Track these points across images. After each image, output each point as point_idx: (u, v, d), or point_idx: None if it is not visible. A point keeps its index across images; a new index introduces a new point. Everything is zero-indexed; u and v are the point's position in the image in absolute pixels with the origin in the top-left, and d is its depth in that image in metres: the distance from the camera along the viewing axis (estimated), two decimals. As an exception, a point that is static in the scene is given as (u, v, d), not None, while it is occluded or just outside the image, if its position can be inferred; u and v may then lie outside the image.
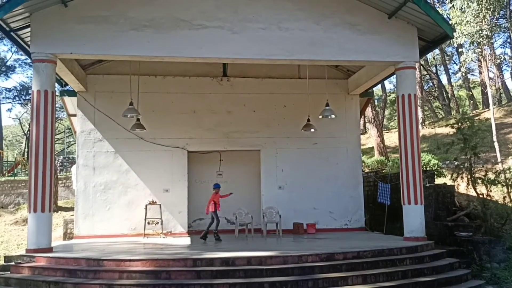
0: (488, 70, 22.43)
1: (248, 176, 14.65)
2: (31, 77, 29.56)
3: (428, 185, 13.09)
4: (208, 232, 11.96)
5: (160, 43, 10.39)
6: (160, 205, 13.27)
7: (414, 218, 10.73)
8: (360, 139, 15.23)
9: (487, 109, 26.39)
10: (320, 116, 12.82)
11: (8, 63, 37.81)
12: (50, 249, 9.62)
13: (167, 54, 10.61)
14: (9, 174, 29.34)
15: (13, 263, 9.11)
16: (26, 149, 34.67)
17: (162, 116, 13.73)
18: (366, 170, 18.31)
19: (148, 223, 13.07)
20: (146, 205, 13.10)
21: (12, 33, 10.30)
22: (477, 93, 39.30)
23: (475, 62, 25.14)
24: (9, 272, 8.83)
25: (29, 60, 25.05)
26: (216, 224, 11.96)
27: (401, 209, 11.16)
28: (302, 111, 13.31)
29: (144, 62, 12.62)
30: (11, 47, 35.30)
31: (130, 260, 8.34)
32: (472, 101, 36.94)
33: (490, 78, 24.05)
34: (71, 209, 16.68)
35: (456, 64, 39.66)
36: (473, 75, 39.37)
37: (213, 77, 14.18)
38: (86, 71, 13.49)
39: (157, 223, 13.20)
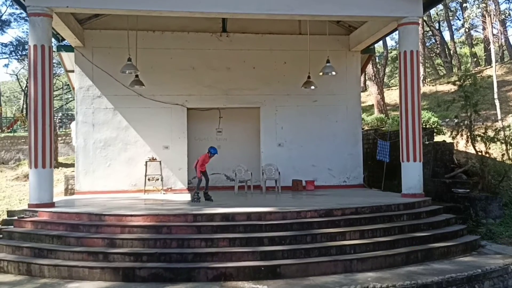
0: (492, 26, 22.06)
1: (247, 133, 14.67)
2: (27, 32, 29.09)
3: (427, 142, 13.13)
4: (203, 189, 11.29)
5: (158, -4, 10.11)
6: (160, 161, 13.33)
7: (412, 175, 10.81)
8: (361, 96, 15.15)
9: (489, 66, 26.13)
10: (321, 73, 12.66)
11: (3, 18, 37.06)
12: (52, 204, 9.74)
13: (165, 8, 10.33)
14: (9, 130, 29.37)
15: (16, 217, 9.25)
16: (25, 105, 34.55)
17: (161, 73, 13.59)
18: (366, 128, 18.32)
19: (149, 179, 13.18)
20: (146, 162, 13.16)
21: (6, -14, 10.03)
22: (479, 50, 38.82)
23: (479, 18, 24.70)
24: (12, 226, 8.98)
25: (24, 14, 24.57)
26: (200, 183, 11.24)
27: (400, 166, 11.22)
28: (303, 68, 13.13)
29: (142, 17, 12.35)
30: (6, 0, 34.52)
31: (131, 215, 8.45)
32: (475, 58, 36.53)
33: (493, 35, 23.65)
34: (72, 165, 16.79)
35: (460, 20, 38.99)
36: (477, 31, 38.76)
37: (212, 33, 13.94)
38: (83, 25, 13.24)
39: (157, 179, 13.30)
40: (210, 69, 13.87)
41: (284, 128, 14.17)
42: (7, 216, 9.87)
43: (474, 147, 12.45)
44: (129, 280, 6.82)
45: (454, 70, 33.94)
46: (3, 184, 16.63)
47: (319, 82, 13.35)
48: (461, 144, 13.72)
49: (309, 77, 13.00)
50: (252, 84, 14.04)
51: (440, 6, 35.24)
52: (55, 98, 35.95)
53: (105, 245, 7.70)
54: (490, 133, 12.60)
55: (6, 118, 35.87)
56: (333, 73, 12.57)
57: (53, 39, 10.96)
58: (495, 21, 25.54)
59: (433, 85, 29.44)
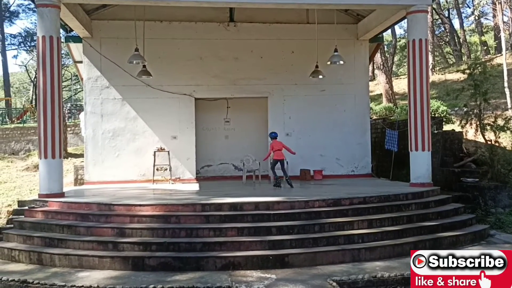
0: (502, 13, 21.79)
1: (255, 123, 14.65)
2: (35, 23, 29.20)
3: (436, 131, 13.05)
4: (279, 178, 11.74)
5: (165, -14, 10.10)
6: (168, 152, 13.38)
7: (421, 164, 10.75)
8: (369, 85, 15.06)
9: (500, 55, 25.85)
10: (329, 62, 12.58)
11: (12, 9, 37.17)
12: (62, 194, 9.82)
13: (172, -2, 10.35)
14: (18, 121, 29.58)
15: (26, 207, 9.34)
16: (34, 96, 34.76)
17: (169, 63, 13.58)
18: (374, 117, 18.24)
19: (157, 169, 13.24)
20: (155, 152, 13.22)
21: (13, -23, 10.05)
22: (489, 38, 38.39)
23: (489, 5, 24.39)
24: (23, 216, 9.08)
25: (32, 5, 24.59)
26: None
27: (408, 156, 11.18)
28: (310, 57, 13.06)
29: (149, 7, 12.32)
30: (14, -9, 34.62)
31: (140, 205, 8.51)
32: (485, 47, 36.12)
33: (504, 22, 23.37)
34: (81, 155, 16.90)
35: (469, 8, 38.56)
36: (487, 19, 38.34)
37: (219, 23, 13.89)
38: (90, 16, 13.24)
39: (166, 169, 13.36)
40: (218, 59, 13.84)
41: (292, 117, 14.15)
42: (18, 206, 9.99)
43: (483, 136, 12.34)
44: (139, 269, 6.89)
45: (463, 59, 33.62)
46: (14, 175, 16.80)
47: (327, 72, 13.29)
48: (470, 133, 13.61)
49: (317, 66, 12.94)
50: (259, 74, 14.00)
51: (450, -6, 34.83)
52: (64, 89, 36.14)
53: (114, 235, 7.78)
54: (500, 122, 12.47)
55: (15, 109, 36.11)
56: (341, 62, 12.50)
57: (61, 30, 11.00)
58: (506, 8, 25.22)
59: (442, 74, 29.19)
